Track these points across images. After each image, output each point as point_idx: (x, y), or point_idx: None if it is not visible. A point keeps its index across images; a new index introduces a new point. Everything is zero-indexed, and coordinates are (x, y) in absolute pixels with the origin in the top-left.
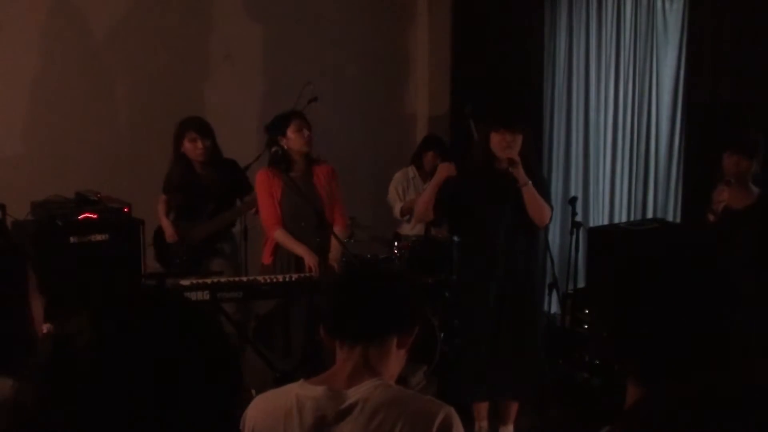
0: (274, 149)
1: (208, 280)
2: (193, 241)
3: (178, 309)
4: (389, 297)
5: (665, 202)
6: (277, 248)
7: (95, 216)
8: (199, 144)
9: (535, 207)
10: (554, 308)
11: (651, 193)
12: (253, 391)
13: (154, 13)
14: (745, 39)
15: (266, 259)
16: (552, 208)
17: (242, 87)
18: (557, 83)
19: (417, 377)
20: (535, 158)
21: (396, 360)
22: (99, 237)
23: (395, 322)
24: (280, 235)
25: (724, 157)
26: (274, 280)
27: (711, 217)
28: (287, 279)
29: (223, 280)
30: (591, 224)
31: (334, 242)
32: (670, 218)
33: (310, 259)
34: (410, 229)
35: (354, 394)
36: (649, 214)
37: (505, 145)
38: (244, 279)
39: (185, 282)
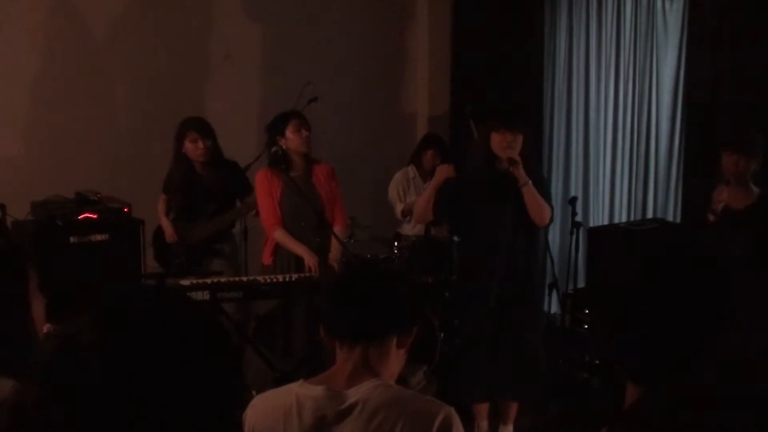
0: (273, 149)
1: (208, 280)
2: (192, 242)
3: (180, 309)
4: (389, 297)
5: (665, 202)
6: (278, 248)
7: (95, 216)
8: (200, 144)
9: (535, 207)
10: (554, 308)
11: (651, 193)
12: (254, 392)
13: (154, 13)
14: (745, 39)
15: (266, 259)
16: (552, 208)
17: (242, 87)
18: (557, 83)
19: (417, 377)
20: (535, 158)
21: (396, 360)
22: (99, 237)
23: (395, 322)
24: (280, 235)
25: (722, 157)
26: (274, 280)
27: (711, 217)
28: (287, 279)
29: (223, 280)
30: (591, 224)
31: (334, 242)
32: (670, 218)
33: (310, 259)
34: (410, 229)
35: (354, 394)
36: (649, 214)
37: (505, 145)
38: (244, 279)
39: (185, 282)
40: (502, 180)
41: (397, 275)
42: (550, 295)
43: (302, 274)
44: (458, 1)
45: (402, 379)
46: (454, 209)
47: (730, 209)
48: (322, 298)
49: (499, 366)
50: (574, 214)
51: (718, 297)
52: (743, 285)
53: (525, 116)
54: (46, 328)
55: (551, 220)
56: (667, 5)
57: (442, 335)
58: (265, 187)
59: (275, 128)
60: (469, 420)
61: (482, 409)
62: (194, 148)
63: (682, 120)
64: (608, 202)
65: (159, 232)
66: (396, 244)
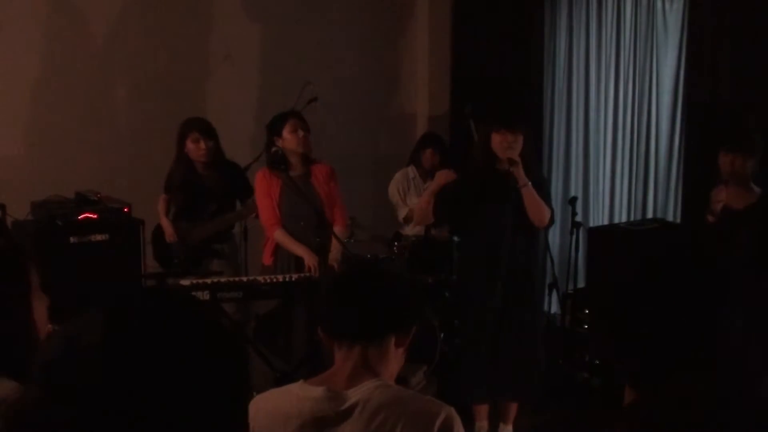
0: (273, 149)
1: (208, 280)
2: (192, 242)
3: (183, 309)
4: (386, 296)
5: (665, 202)
6: (278, 249)
7: (95, 216)
8: (202, 144)
9: (534, 208)
10: (554, 308)
11: (651, 193)
12: (254, 392)
13: (154, 13)
14: (745, 39)
15: (266, 260)
16: (552, 210)
17: (242, 87)
18: (557, 83)
19: (417, 377)
20: (535, 159)
21: (395, 359)
22: (99, 237)
23: (393, 321)
24: (279, 236)
25: (719, 157)
26: (274, 280)
27: (710, 218)
28: (287, 279)
29: (223, 280)
30: (591, 224)
31: (334, 242)
32: (670, 218)
33: (309, 260)
34: (410, 229)
35: (354, 394)
36: (649, 214)
37: (506, 146)
38: (244, 279)
39: (185, 282)
40: (503, 180)
41: (395, 275)
42: (550, 295)
43: (302, 274)
44: (458, 1)
45: (402, 379)
46: (455, 209)
47: (730, 209)
48: (320, 299)
49: (499, 366)
50: (574, 214)
51: (717, 297)
52: (743, 285)
53: (525, 116)
54: (48, 328)
55: (551, 221)
56: (667, 5)
57: (442, 335)
58: (264, 188)
59: (273, 128)
60: (469, 420)
61: (482, 410)
62: (196, 149)
63: (682, 120)
64: (608, 202)
65: (158, 231)
66: (396, 244)
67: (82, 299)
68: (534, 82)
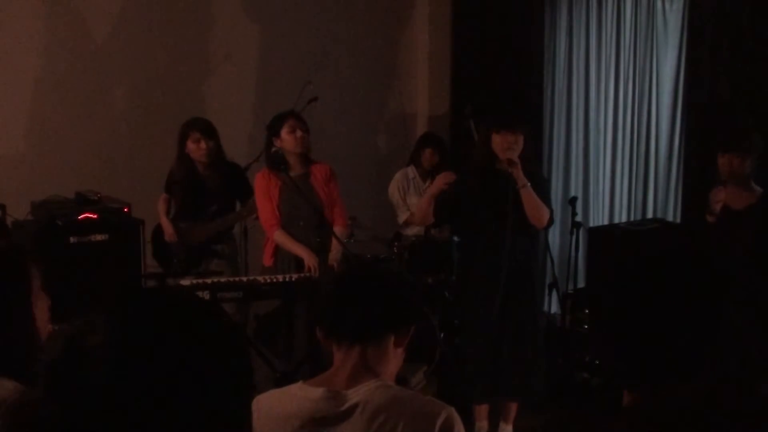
0: (273, 150)
1: (208, 280)
2: (192, 242)
3: (188, 309)
4: (383, 296)
5: (665, 202)
6: (278, 250)
7: (95, 216)
8: (203, 145)
9: (533, 209)
10: (554, 308)
11: (651, 193)
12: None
13: (154, 13)
14: (745, 39)
15: (267, 261)
16: (552, 211)
17: (242, 87)
18: (557, 83)
19: (417, 377)
20: (535, 159)
21: (394, 359)
22: (99, 237)
23: (391, 320)
24: (279, 237)
25: (718, 158)
26: (274, 280)
27: (710, 218)
28: (287, 279)
29: (223, 280)
30: (591, 224)
31: (334, 242)
32: (670, 218)
33: (309, 260)
34: (410, 229)
35: (354, 395)
36: (649, 214)
37: (506, 146)
38: (244, 279)
39: (185, 282)
40: (503, 180)
41: (393, 274)
42: (550, 295)
43: (302, 274)
44: (458, 1)
45: (402, 379)
46: (455, 210)
47: (730, 209)
48: (318, 299)
49: (499, 366)
50: (574, 214)
51: (717, 297)
52: (743, 285)
53: (525, 117)
54: (48, 328)
55: (551, 222)
56: (667, 5)
57: (442, 335)
58: (263, 189)
59: (272, 129)
60: (469, 420)
61: (482, 410)
62: (197, 149)
63: (682, 120)
64: (608, 202)
65: (158, 230)
66: (396, 244)
67: (81, 299)
68: (534, 82)
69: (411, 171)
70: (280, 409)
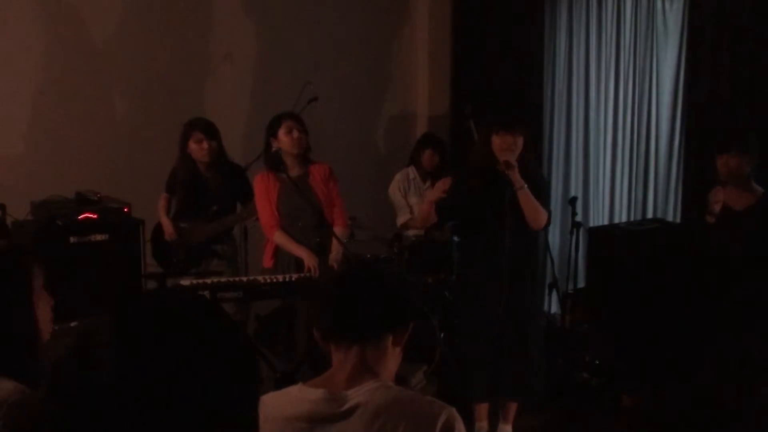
0: (273, 150)
1: (208, 280)
2: (192, 242)
3: (193, 309)
4: (380, 295)
5: (665, 202)
6: (278, 251)
7: (95, 216)
8: (205, 145)
9: (530, 211)
10: (554, 308)
11: (651, 193)
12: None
13: (154, 13)
14: (745, 39)
15: (267, 262)
16: (550, 212)
17: (242, 87)
18: (557, 83)
19: (417, 377)
20: (535, 160)
21: (393, 358)
22: (99, 237)
23: (389, 320)
24: (279, 238)
25: (716, 159)
26: (274, 280)
27: (710, 218)
28: (287, 279)
29: (223, 280)
30: (591, 224)
31: (334, 242)
32: (670, 218)
33: (309, 260)
34: (410, 229)
35: (354, 396)
36: (649, 214)
37: (506, 147)
38: (244, 279)
39: (185, 282)
40: (503, 181)
41: (390, 273)
42: (550, 295)
43: (302, 274)
44: (458, 1)
45: (402, 379)
46: (456, 210)
47: (730, 210)
48: (316, 300)
49: (499, 366)
50: (574, 214)
51: (717, 297)
52: (743, 285)
53: (525, 118)
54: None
55: (549, 223)
56: (667, 5)
57: (442, 335)
58: (263, 190)
59: (270, 129)
60: (469, 420)
61: (482, 409)
62: (199, 149)
63: (682, 120)
64: (608, 202)
65: (158, 230)
66: (396, 244)
67: (82, 299)
68: (534, 82)
69: (411, 171)
70: (279, 410)
